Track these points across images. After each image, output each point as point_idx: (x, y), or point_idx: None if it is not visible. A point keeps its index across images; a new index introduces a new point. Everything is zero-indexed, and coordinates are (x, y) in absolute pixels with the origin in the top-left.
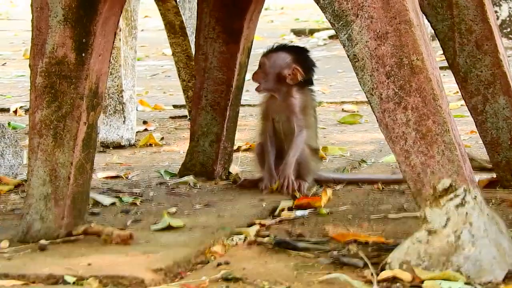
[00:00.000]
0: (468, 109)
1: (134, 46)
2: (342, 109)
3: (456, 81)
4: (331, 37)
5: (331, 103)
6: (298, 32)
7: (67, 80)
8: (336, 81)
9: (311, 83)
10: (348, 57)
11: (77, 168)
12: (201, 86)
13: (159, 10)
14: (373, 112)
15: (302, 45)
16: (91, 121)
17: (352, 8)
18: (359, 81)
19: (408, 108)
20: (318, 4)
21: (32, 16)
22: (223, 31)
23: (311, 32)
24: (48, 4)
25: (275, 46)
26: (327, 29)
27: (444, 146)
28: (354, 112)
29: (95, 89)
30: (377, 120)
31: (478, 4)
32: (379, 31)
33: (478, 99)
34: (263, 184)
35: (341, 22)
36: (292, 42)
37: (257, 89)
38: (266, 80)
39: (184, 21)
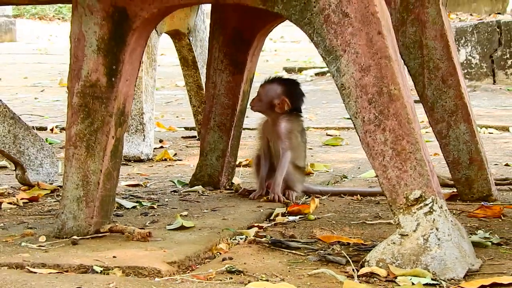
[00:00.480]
0: (434, 134)
1: (154, 76)
2: (326, 133)
3: (424, 110)
4: (317, 74)
5: (317, 128)
6: (289, 70)
7: (99, 100)
8: (321, 110)
9: (299, 111)
10: (337, 85)
11: (106, 175)
12: (210, 109)
13: (175, 46)
14: (357, 132)
15: (293, 78)
16: (118, 135)
17: (340, 45)
18: (345, 106)
19: (386, 129)
20: (312, 41)
21: (70, 46)
22: (230, 64)
23: (300, 70)
24: (84, 36)
25: (271, 78)
26: (313, 67)
27: (416, 162)
28: (337, 136)
29: (122, 109)
30: (360, 140)
31: (445, 45)
32: (363, 64)
33: (443, 125)
34: (253, 194)
35: (331, 56)
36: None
37: (252, 108)
38: (259, 104)
39: (196, 56)
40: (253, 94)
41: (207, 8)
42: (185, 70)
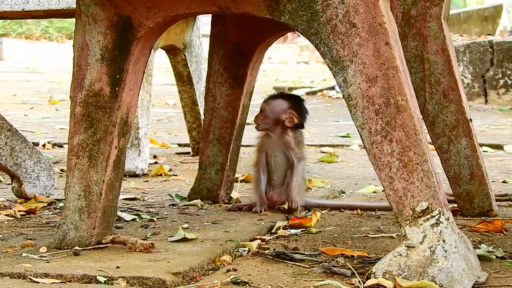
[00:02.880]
0: (435, 148)
1: (149, 91)
2: (321, 150)
3: (425, 125)
4: (307, 93)
5: (311, 145)
6: (278, 89)
7: (102, 110)
8: (314, 128)
9: (302, 127)
10: (343, 96)
11: (108, 185)
12: (209, 123)
13: (170, 62)
14: (363, 143)
15: (297, 94)
16: (121, 145)
17: (347, 55)
18: (352, 117)
19: (393, 140)
20: (319, 51)
21: (74, 55)
22: (230, 77)
23: (290, 89)
24: (88, 45)
25: (274, 94)
26: (303, 87)
27: (423, 174)
28: (331, 153)
29: (125, 118)
30: (366, 150)
31: (446, 60)
32: (370, 75)
33: (443, 140)
34: (257, 208)
35: (338, 67)
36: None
37: (257, 128)
38: (265, 122)
39: (191, 71)
40: (252, 108)
41: (203, 21)
42: (180, 86)
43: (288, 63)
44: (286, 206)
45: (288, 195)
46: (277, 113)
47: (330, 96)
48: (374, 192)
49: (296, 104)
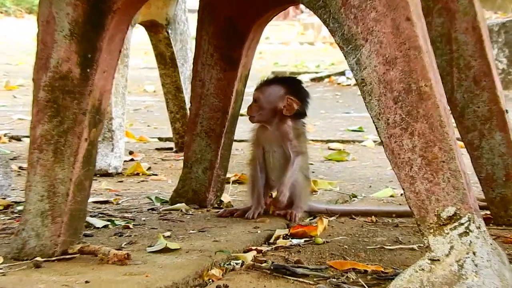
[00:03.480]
0: (464, 144)
1: (125, 75)
2: (328, 147)
3: (453, 116)
4: (313, 80)
5: (316, 141)
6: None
7: (70, 95)
8: (320, 121)
9: (304, 115)
10: (356, 81)
11: (76, 185)
12: (196, 112)
13: (151, 41)
14: (379, 137)
15: (294, 76)
16: (92, 137)
17: (361, 33)
18: (366, 105)
19: (415, 134)
20: (327, 28)
21: (38, 30)
22: (221, 58)
23: (292, 75)
24: (55, 18)
25: (267, 79)
26: (307, 72)
27: (450, 173)
28: (341, 150)
29: (98, 106)
30: (383, 145)
31: (477, 40)
32: (388, 56)
33: (474, 134)
34: (250, 213)
35: (350, 46)
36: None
37: (251, 120)
38: (260, 113)
39: (175, 52)
40: (247, 96)
41: None
42: (162, 69)
43: (289, 44)
44: (283, 212)
45: (278, 189)
46: (273, 102)
47: (339, 83)
48: (392, 196)
49: (294, 87)
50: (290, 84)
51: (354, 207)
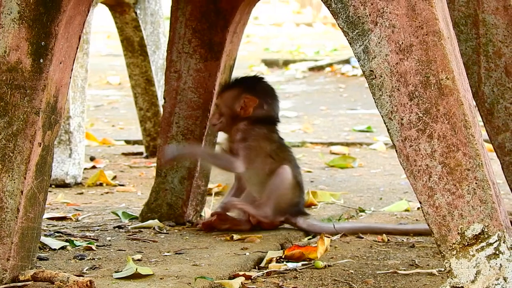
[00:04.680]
0: (493, 148)
1: (86, 65)
2: (330, 151)
3: (480, 114)
4: (311, 69)
5: (316, 143)
6: (270, 63)
7: (21, 91)
8: (320, 119)
9: (274, 120)
10: (364, 73)
11: (28, 198)
12: (171, 110)
13: (116, 23)
14: (391, 140)
15: (257, 75)
16: (47, 142)
17: (370, 15)
18: (375, 102)
19: (434, 136)
20: (329, 9)
21: None
22: (201, 45)
23: (286, 63)
24: None
25: (228, 82)
26: (304, 60)
27: (476, 183)
28: (345, 154)
29: (53, 103)
30: (396, 150)
31: (510, 22)
32: (402, 43)
33: (506, 136)
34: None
35: (356, 31)
36: (262, 74)
37: (213, 129)
38: (221, 120)
39: (144, 37)
40: None
41: None
42: (129, 57)
43: (283, 25)
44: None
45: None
46: (230, 105)
47: (343, 73)
48: (407, 210)
49: (253, 85)
50: (249, 83)
51: (360, 224)
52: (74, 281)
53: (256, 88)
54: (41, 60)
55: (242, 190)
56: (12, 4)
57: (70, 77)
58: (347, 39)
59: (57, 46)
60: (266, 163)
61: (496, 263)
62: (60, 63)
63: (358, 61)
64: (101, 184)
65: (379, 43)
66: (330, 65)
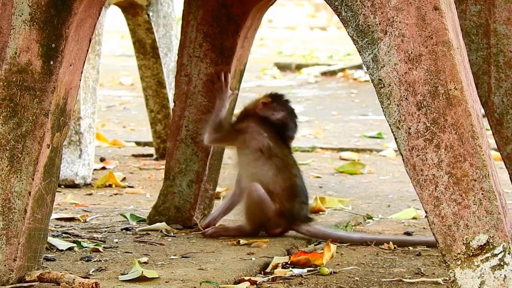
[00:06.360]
0: (502, 158)
1: (97, 66)
2: (340, 156)
3: (489, 124)
4: (323, 73)
5: (326, 149)
6: (283, 67)
7: (30, 93)
8: (331, 124)
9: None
10: (372, 81)
11: (36, 199)
12: (181, 113)
13: (128, 25)
14: (399, 149)
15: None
16: (55, 143)
17: (380, 24)
18: (383, 110)
19: (441, 146)
20: (339, 17)
21: None
22: (212, 50)
23: (299, 67)
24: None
25: None
26: (317, 64)
27: (482, 194)
28: (355, 160)
29: (62, 105)
30: (403, 159)
31: None
32: (411, 52)
33: None
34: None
35: (366, 40)
36: (275, 77)
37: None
38: None
39: (157, 39)
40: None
41: None
42: (141, 59)
43: (296, 28)
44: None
45: None
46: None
47: (356, 79)
48: (414, 218)
49: (277, 93)
50: (276, 94)
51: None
52: (80, 283)
53: (277, 95)
54: (51, 62)
55: (241, 195)
56: (23, 6)
57: (80, 80)
58: (357, 47)
59: (67, 49)
60: (255, 156)
61: (501, 274)
62: (70, 65)
63: (367, 70)
64: (110, 186)
65: (388, 52)
66: (342, 70)
